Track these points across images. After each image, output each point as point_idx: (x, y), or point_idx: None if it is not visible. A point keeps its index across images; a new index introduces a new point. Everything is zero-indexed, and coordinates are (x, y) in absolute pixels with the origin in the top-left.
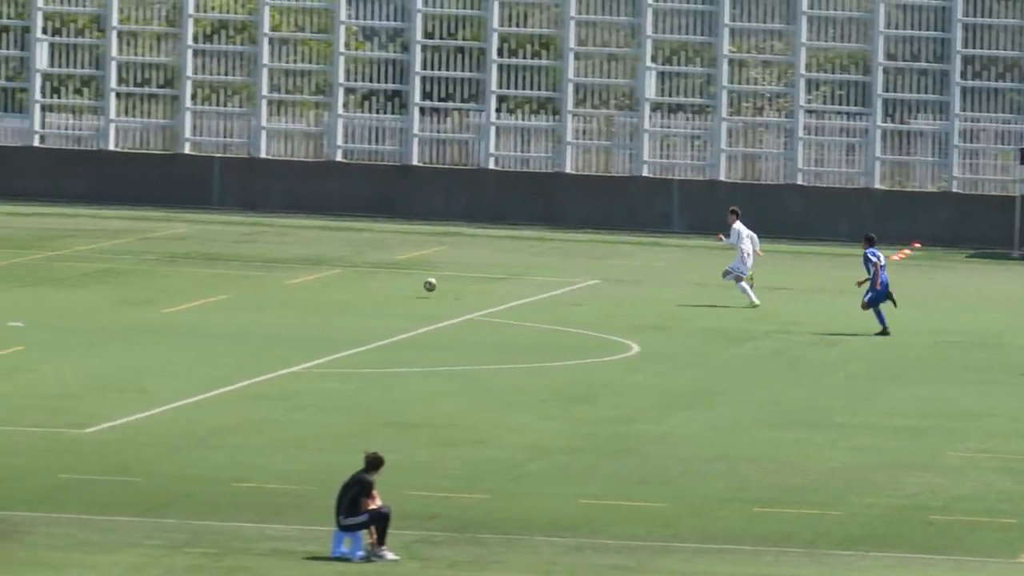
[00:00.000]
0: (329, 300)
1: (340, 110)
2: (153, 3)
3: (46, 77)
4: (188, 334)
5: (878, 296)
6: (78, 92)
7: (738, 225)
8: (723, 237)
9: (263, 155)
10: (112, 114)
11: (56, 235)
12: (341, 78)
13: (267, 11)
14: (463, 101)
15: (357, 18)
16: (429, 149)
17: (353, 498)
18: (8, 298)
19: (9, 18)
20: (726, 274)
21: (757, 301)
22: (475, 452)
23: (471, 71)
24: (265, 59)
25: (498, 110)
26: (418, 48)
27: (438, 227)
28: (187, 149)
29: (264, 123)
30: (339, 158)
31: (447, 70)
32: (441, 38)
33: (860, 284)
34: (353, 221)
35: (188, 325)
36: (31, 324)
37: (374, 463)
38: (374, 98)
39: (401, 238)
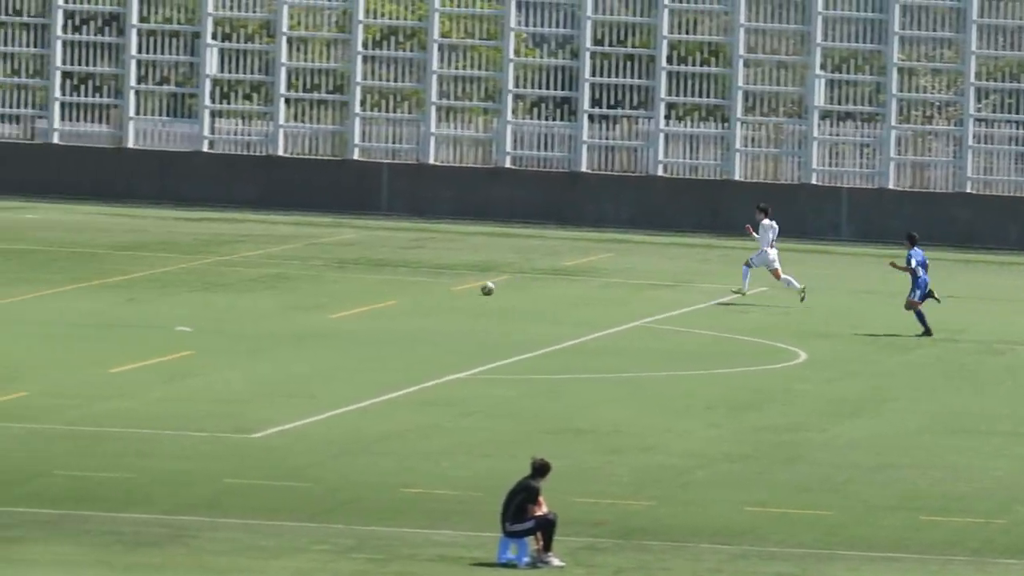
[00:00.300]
0: (498, 306)
1: (509, 116)
2: (323, 9)
3: (216, 82)
4: (355, 339)
5: (924, 295)
6: (247, 98)
7: (767, 222)
8: (751, 229)
9: (431, 161)
10: (281, 119)
11: (224, 240)
12: (510, 84)
13: (437, 17)
14: (632, 108)
15: (527, 25)
16: (598, 156)
17: (520, 504)
18: (177, 303)
19: (179, 23)
20: (777, 275)
21: (747, 291)
22: (641, 459)
23: (640, 78)
24: (434, 65)
25: (667, 117)
26: (587, 55)
27: (606, 234)
28: (356, 155)
29: (433, 129)
30: (508, 164)
31: (616, 77)
32: (611, 45)
33: (894, 266)
34: (521, 227)
35: (355, 330)
36: (199, 329)
37: (541, 469)
38: (543, 105)
39: (569, 245)
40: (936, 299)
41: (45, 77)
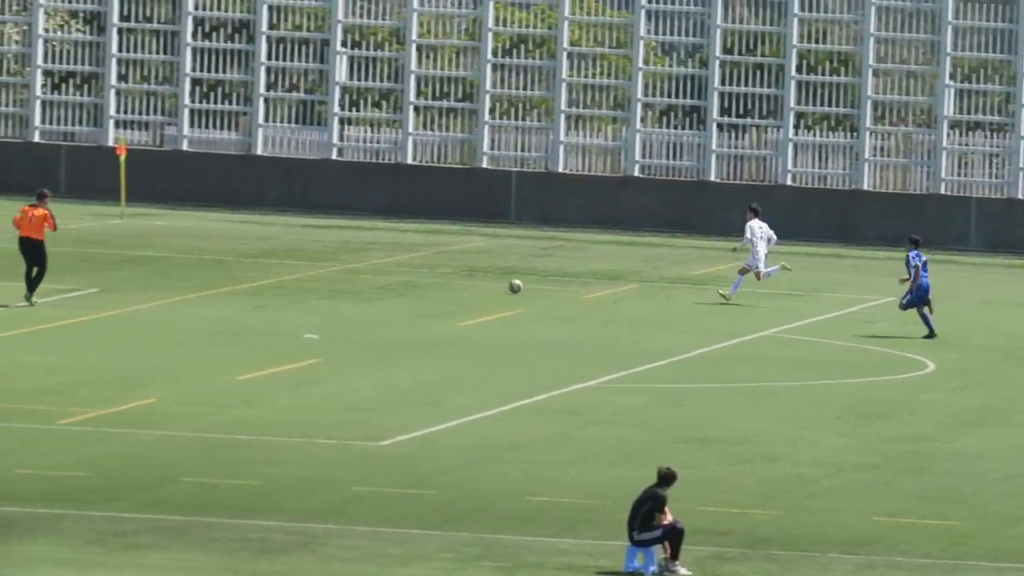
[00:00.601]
0: (625, 315)
1: (638, 125)
2: (453, 17)
3: (345, 90)
4: (484, 347)
5: (915, 299)
6: (376, 105)
7: (754, 223)
8: (735, 247)
9: (560, 169)
10: (410, 127)
11: (353, 248)
12: (639, 93)
13: (566, 26)
14: (761, 117)
15: (656, 33)
16: (726, 165)
17: (647, 513)
18: (305, 310)
19: (309, 31)
20: (759, 275)
21: (732, 296)
22: (769, 468)
23: (770, 87)
24: (564, 73)
25: (796, 127)
26: (717, 64)
27: (734, 243)
28: (485, 163)
29: (562, 138)
30: (636, 173)
31: (745, 86)
32: (740, 54)
33: (903, 283)
34: (649, 236)
35: (484, 338)
36: (327, 336)
37: (667, 478)
38: (672, 113)
39: (697, 253)
40: (930, 308)
41: (175, 84)
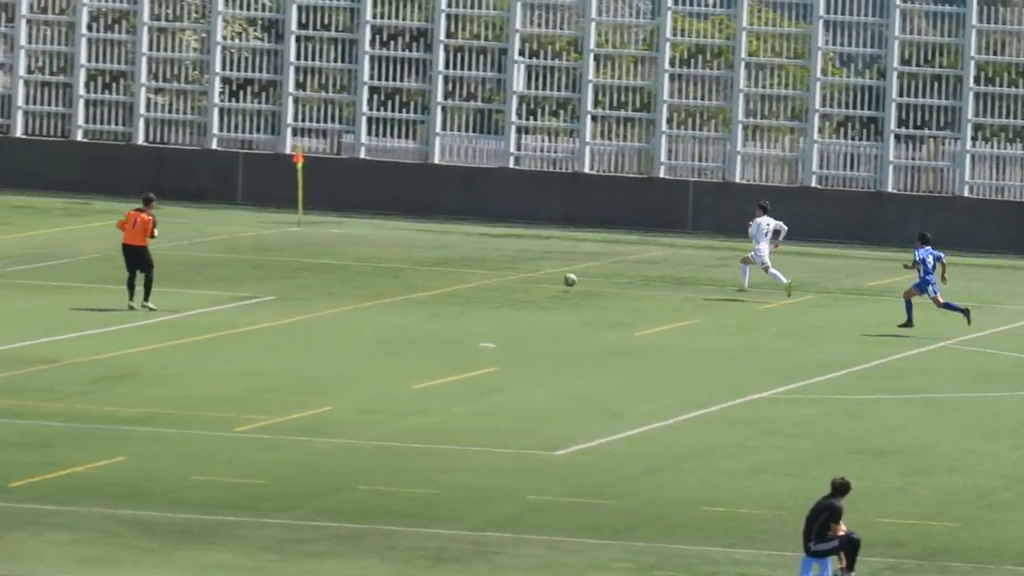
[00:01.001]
0: (802, 325)
1: (815, 136)
2: (631, 26)
3: (522, 99)
4: (660, 357)
5: (922, 285)
6: (554, 114)
7: (761, 219)
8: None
9: (737, 180)
10: (587, 137)
11: (529, 257)
12: (817, 104)
13: (744, 36)
14: (939, 129)
15: (834, 44)
16: (903, 176)
17: (823, 523)
18: (481, 319)
19: (487, 40)
20: (766, 269)
21: (746, 287)
22: (945, 480)
23: (947, 99)
24: (741, 84)
25: (974, 138)
26: (894, 75)
27: (910, 254)
28: (662, 173)
29: (739, 148)
30: (813, 184)
31: (923, 97)
32: (918, 65)
33: (907, 267)
34: (826, 247)
35: (660, 348)
36: (503, 345)
37: (841, 488)
38: (849, 124)
39: (874, 264)
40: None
41: (352, 92)
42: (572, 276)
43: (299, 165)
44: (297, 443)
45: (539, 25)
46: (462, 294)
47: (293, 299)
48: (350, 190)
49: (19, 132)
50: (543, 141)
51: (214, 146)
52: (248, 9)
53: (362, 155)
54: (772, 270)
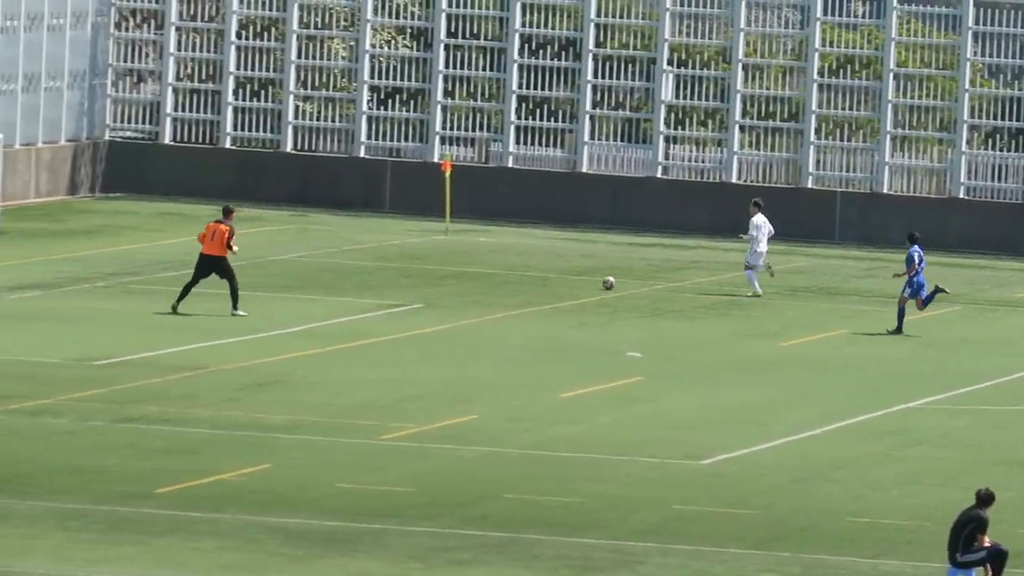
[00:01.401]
0: (948, 336)
1: (963, 147)
2: (780, 37)
3: (670, 108)
4: (805, 368)
5: (915, 293)
6: (702, 124)
7: (758, 218)
8: (742, 235)
9: (885, 190)
10: (735, 147)
11: (676, 266)
12: (965, 115)
13: (893, 47)
14: None
15: (983, 55)
16: None
17: (970, 534)
18: (627, 328)
19: (635, 49)
20: (748, 268)
21: (760, 291)
22: None
23: None
24: (890, 95)
25: None
26: None
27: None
28: (810, 183)
29: (887, 159)
30: (961, 195)
31: None
32: None
33: (896, 277)
34: (973, 258)
35: (805, 359)
36: (649, 355)
37: (987, 499)
38: (997, 135)
39: (1021, 276)
40: (944, 291)
41: (501, 101)
42: (611, 279)
43: (447, 173)
44: (443, 451)
45: (688, 35)
46: (609, 303)
47: (440, 307)
48: (497, 199)
49: (167, 139)
50: (691, 151)
51: (362, 154)
52: (397, 17)
53: (510, 164)
54: (750, 272)
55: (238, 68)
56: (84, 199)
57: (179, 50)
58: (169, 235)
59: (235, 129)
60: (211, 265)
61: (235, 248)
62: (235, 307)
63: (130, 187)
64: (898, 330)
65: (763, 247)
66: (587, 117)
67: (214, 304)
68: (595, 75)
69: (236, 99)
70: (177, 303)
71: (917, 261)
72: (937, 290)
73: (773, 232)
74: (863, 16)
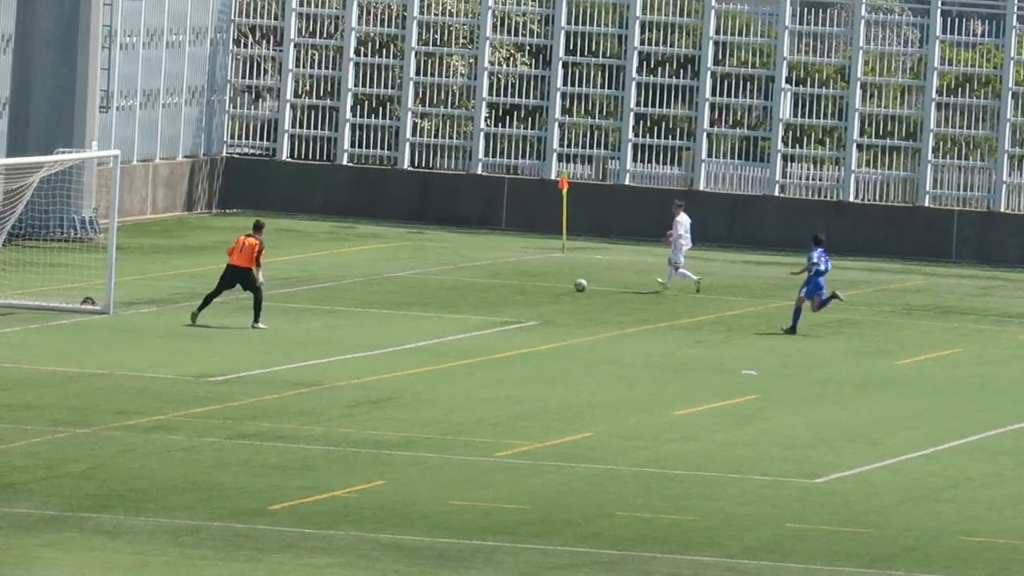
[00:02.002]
0: None
1: None
2: (899, 56)
3: (788, 127)
4: (920, 386)
5: (812, 291)
6: (820, 142)
7: (681, 217)
8: (669, 234)
9: (1002, 209)
10: (853, 165)
11: (793, 285)
12: None
13: (1012, 66)
14: None
15: None
16: None
17: None
18: (743, 347)
19: (754, 67)
20: (676, 268)
21: (668, 285)
22: None
23: None
24: (1008, 113)
25: None
26: None
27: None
28: (927, 202)
29: (1005, 178)
30: None
31: None
32: None
33: (795, 274)
34: None
35: (921, 377)
36: (765, 373)
37: None
38: None
39: None
40: (839, 297)
41: (618, 118)
42: (583, 281)
43: (564, 191)
44: (557, 469)
45: (806, 53)
46: (724, 321)
47: (555, 324)
48: (614, 216)
49: (285, 156)
50: (808, 169)
51: (479, 171)
52: (516, 35)
53: (627, 181)
54: (683, 269)
55: (356, 85)
56: (201, 215)
57: (297, 67)
58: (285, 252)
59: (352, 146)
60: (236, 276)
61: (262, 277)
62: (256, 320)
63: (247, 203)
64: (792, 329)
65: (685, 245)
66: (704, 135)
67: (326, 320)
68: (713, 93)
69: (354, 116)
70: (197, 312)
71: (814, 260)
72: (833, 295)
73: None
74: (982, 35)
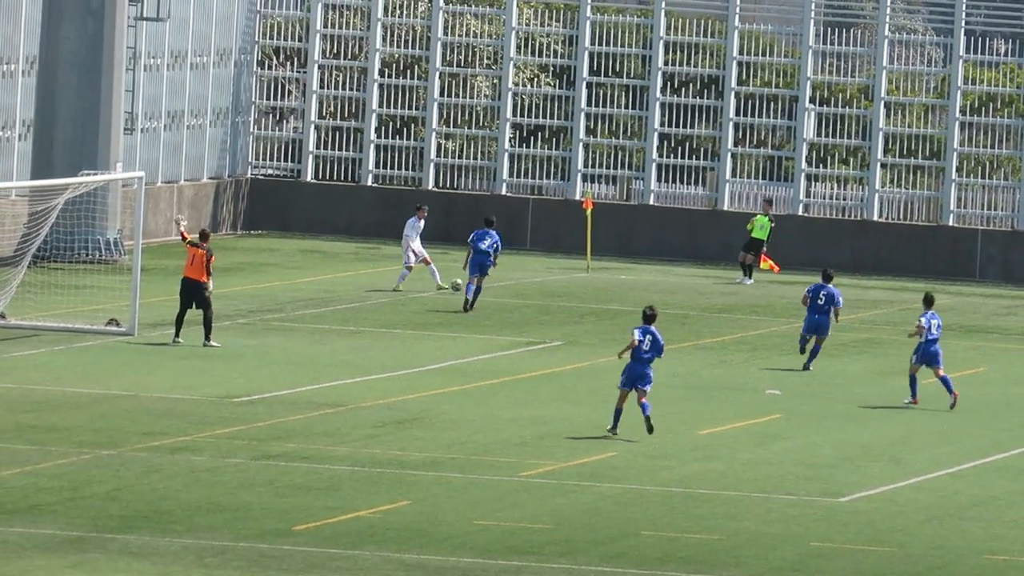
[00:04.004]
0: None
1: None
2: (923, 75)
3: (812, 147)
4: (945, 405)
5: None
6: (843, 162)
7: (414, 219)
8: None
9: None
10: (876, 184)
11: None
12: None
13: None
14: None
15: None
16: None
17: None
18: (767, 366)
19: (778, 87)
20: (413, 264)
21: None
22: None
23: None
24: None
25: None
26: None
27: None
28: (951, 221)
29: None
30: None
31: None
32: None
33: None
34: None
35: (944, 396)
36: (789, 392)
37: None
38: None
39: None
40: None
41: (642, 139)
42: (458, 280)
43: (588, 211)
44: (581, 488)
45: (830, 73)
46: (748, 341)
47: (580, 344)
48: (639, 236)
49: (309, 177)
50: (832, 188)
51: (504, 192)
52: (540, 56)
53: (651, 201)
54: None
55: (381, 106)
56: (226, 237)
57: (322, 88)
58: (310, 273)
59: (377, 167)
60: (190, 289)
61: (211, 285)
62: (207, 339)
63: (272, 225)
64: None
65: (416, 246)
66: (729, 155)
67: (351, 341)
68: (737, 113)
69: (378, 137)
70: (176, 335)
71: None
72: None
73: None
74: (1005, 54)
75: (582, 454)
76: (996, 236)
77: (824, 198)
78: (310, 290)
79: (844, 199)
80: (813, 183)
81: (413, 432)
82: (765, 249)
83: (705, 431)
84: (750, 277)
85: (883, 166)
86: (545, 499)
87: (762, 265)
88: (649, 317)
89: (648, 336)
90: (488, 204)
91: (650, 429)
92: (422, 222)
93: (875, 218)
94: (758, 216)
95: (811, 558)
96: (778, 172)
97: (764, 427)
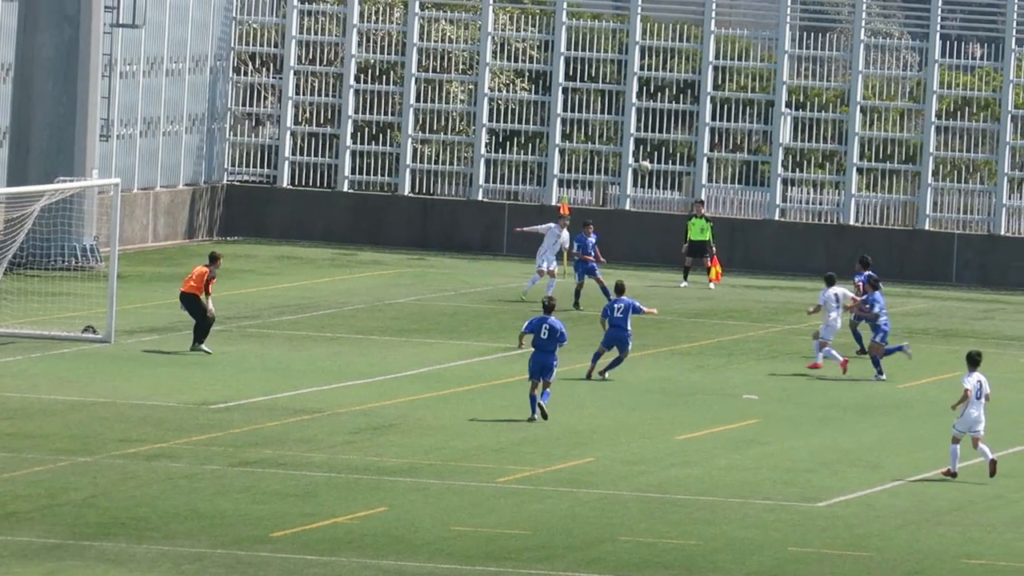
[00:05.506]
0: None
1: None
2: (898, 80)
3: (788, 151)
4: (923, 409)
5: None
6: (820, 167)
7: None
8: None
9: (1003, 232)
10: (853, 189)
11: (793, 309)
12: None
13: (1011, 89)
14: None
15: None
16: None
17: None
18: (743, 371)
19: (753, 92)
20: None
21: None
22: None
23: None
24: (1007, 137)
25: None
26: None
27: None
28: (927, 225)
29: (1005, 201)
30: None
31: None
32: None
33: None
34: None
35: (922, 400)
36: (766, 397)
37: None
38: None
39: None
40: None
41: (618, 144)
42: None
43: (565, 216)
44: (559, 494)
45: (806, 77)
46: (726, 346)
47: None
48: (615, 241)
49: (286, 183)
50: (808, 193)
51: (480, 197)
52: (516, 61)
53: (628, 207)
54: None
55: (356, 112)
56: (202, 243)
57: (297, 94)
58: (287, 279)
59: (353, 173)
60: (190, 302)
61: (212, 306)
62: (197, 342)
63: (248, 231)
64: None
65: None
66: (705, 160)
67: (327, 347)
68: (713, 117)
69: (354, 143)
70: (198, 347)
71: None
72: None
73: None
74: (981, 58)
75: (559, 460)
76: (972, 240)
77: (800, 202)
78: (287, 296)
79: (820, 203)
80: (789, 187)
81: (390, 438)
82: (715, 251)
83: (682, 436)
84: (687, 280)
85: (859, 170)
86: (522, 505)
87: (710, 269)
88: (548, 308)
89: (545, 326)
90: (464, 210)
91: (544, 416)
92: (565, 232)
93: (852, 222)
94: (693, 219)
95: (789, 563)
96: (754, 176)
97: (741, 432)
